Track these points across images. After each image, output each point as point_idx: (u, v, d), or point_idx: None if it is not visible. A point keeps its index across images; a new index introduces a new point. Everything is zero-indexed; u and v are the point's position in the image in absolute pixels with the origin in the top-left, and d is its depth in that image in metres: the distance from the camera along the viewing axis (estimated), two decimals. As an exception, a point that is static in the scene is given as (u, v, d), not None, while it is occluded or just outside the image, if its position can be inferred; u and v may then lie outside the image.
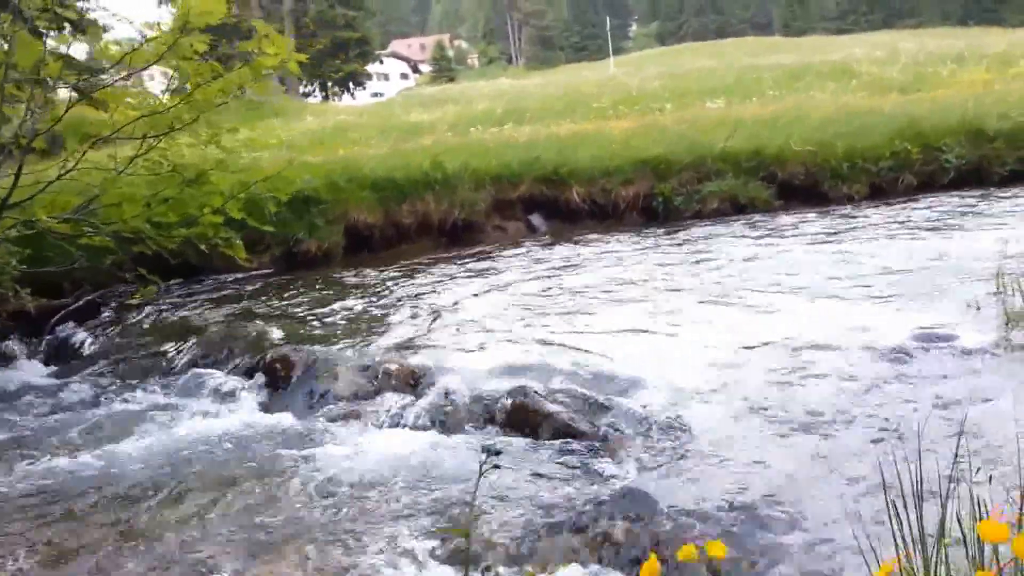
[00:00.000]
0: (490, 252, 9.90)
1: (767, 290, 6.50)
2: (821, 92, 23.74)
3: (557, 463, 3.94)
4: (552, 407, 4.35)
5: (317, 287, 8.39)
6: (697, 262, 8.02)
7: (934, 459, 3.58)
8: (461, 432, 4.41)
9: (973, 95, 15.32)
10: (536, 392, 4.49)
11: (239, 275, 9.18)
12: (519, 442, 4.20)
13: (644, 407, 4.40)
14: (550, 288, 7.33)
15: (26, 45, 6.03)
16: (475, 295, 7.33)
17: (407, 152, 11.92)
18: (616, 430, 4.20)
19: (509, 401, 4.47)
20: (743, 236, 9.46)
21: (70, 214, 6.64)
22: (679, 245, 9.27)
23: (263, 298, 8.02)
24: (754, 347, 5.12)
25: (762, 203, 11.44)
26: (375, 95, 56.87)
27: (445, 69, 75.83)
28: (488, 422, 4.46)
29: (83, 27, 7.50)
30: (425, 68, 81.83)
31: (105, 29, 8.09)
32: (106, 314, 7.74)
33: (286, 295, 8.07)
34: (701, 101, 24.48)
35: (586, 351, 5.27)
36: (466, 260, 9.45)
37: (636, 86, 30.81)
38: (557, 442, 4.14)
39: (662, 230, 10.54)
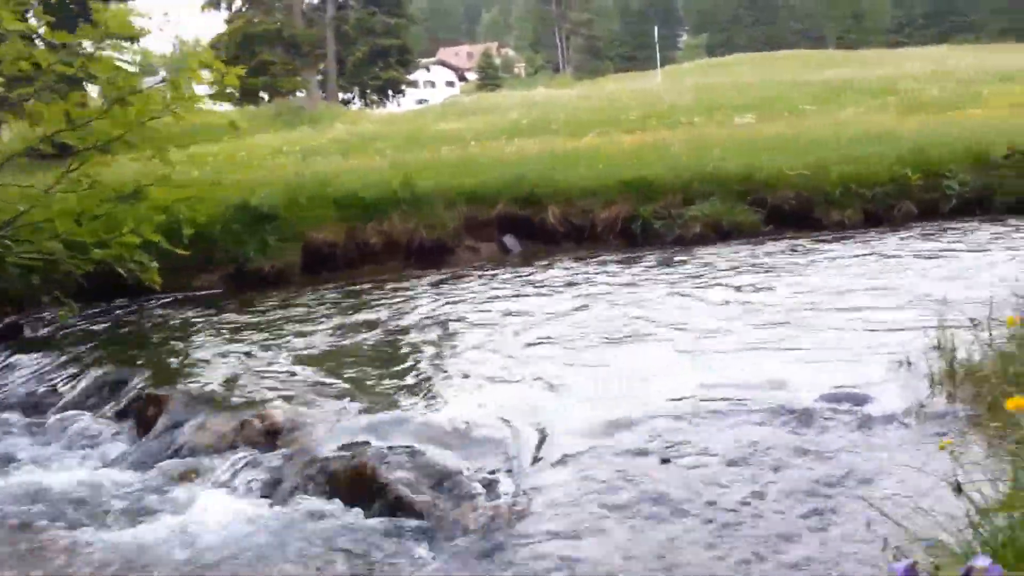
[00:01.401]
0: (447, 277, 9.50)
1: (689, 332, 5.99)
2: (855, 109, 22.94)
3: (377, 547, 3.51)
4: (391, 475, 3.90)
5: (251, 310, 8.09)
6: (633, 296, 7.52)
7: (774, 562, 3.12)
8: (290, 503, 3.99)
9: (998, 118, 14.47)
10: (380, 457, 4.06)
11: (183, 295, 8.95)
12: (345, 518, 3.77)
13: (492, 475, 3.96)
14: (471, 322, 6.92)
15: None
16: (396, 329, 6.94)
17: (378, 169, 11.60)
18: (455, 504, 3.74)
19: (346, 467, 4.05)
20: (706, 266, 8.94)
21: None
22: (628, 276, 8.77)
23: (192, 322, 7.75)
24: (641, 403, 4.63)
25: (749, 228, 10.85)
26: (420, 102, 56.97)
27: (491, 77, 75.72)
28: (323, 491, 4.04)
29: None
30: (472, 76, 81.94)
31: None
32: (28, 334, 7.55)
33: (216, 319, 7.79)
34: (732, 116, 23.83)
35: (467, 402, 4.85)
36: (418, 285, 9.07)
37: (670, 99, 30.21)
38: (386, 520, 3.70)
39: (636, 256, 10.02)
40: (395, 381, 5.34)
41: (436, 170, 11.80)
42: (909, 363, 4.91)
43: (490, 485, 3.81)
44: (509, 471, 3.94)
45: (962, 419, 4.14)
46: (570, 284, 8.48)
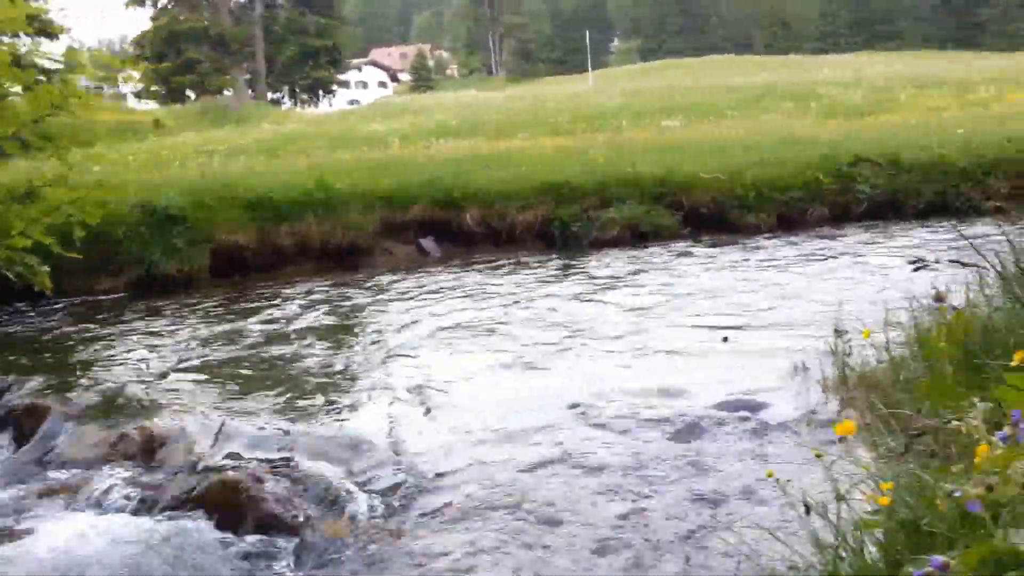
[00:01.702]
0: (359, 280, 9.31)
1: (589, 338, 5.94)
2: (777, 113, 23.40)
3: (245, 567, 3.34)
4: (265, 491, 3.74)
5: (152, 316, 7.79)
6: (535, 301, 7.45)
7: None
8: (162, 521, 3.77)
9: (910, 123, 14.91)
10: (256, 472, 3.89)
11: (85, 300, 8.59)
12: (216, 537, 3.58)
13: (374, 489, 3.83)
14: (372, 328, 6.78)
15: None
16: (296, 336, 6.74)
17: (293, 170, 11.34)
18: (332, 520, 3.59)
19: (220, 483, 3.86)
20: (612, 268, 8.96)
21: None
22: (535, 280, 8.71)
23: (89, 328, 7.42)
24: (535, 413, 4.55)
25: (667, 231, 10.91)
26: (352, 102, 56.31)
27: (424, 79, 75.38)
28: (197, 508, 3.84)
29: None
30: (405, 77, 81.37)
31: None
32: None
33: (114, 325, 7.47)
34: (659, 120, 24.11)
35: (357, 413, 4.71)
36: (328, 289, 8.85)
37: (599, 103, 30.45)
38: (257, 538, 3.53)
39: (553, 259, 9.99)
40: (287, 391, 5.16)
41: (354, 171, 11.59)
42: (805, 368, 4.94)
43: (371, 499, 3.68)
44: (392, 485, 3.82)
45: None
46: (478, 289, 8.37)
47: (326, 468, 3.98)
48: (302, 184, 10.40)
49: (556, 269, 9.32)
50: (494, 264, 9.84)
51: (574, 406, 4.58)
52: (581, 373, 5.17)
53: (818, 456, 2.55)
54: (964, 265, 1.93)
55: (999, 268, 4.37)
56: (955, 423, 1.61)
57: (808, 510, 1.91)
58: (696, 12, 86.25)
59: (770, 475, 2.42)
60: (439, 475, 3.94)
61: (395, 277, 9.35)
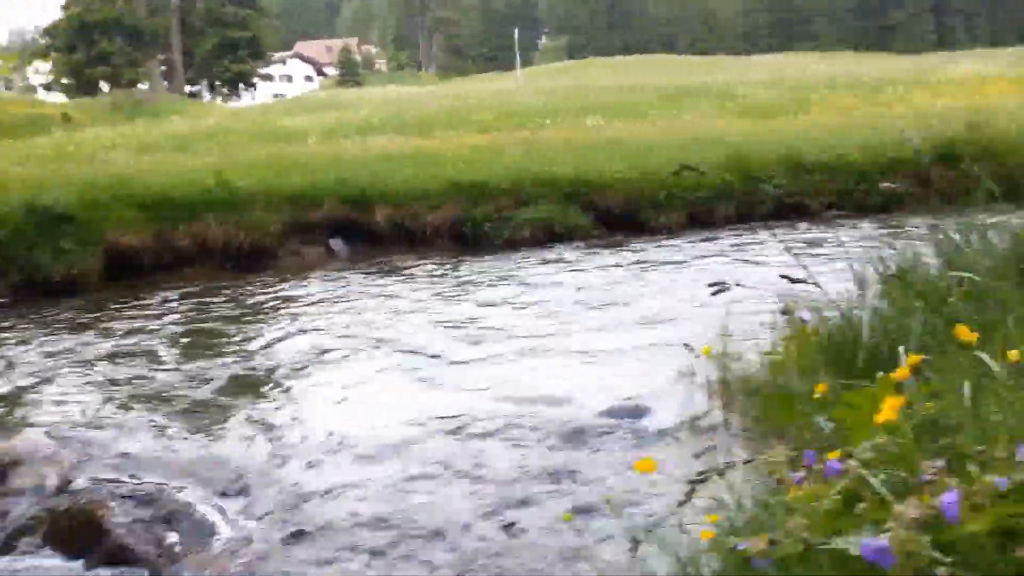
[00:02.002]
0: (259, 284, 9.02)
1: (487, 343, 5.84)
2: (696, 112, 23.71)
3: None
4: (116, 519, 3.50)
5: (34, 323, 7.38)
6: (428, 305, 7.32)
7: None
8: (7, 552, 3.51)
9: (820, 123, 15.24)
10: (110, 498, 3.66)
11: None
12: (63, 570, 3.33)
13: (239, 512, 3.64)
14: (258, 338, 6.54)
15: None
16: (182, 345, 6.48)
17: (194, 167, 10.95)
18: (186, 549, 3.38)
19: (73, 510, 3.61)
20: (516, 271, 8.90)
21: None
22: (439, 282, 8.60)
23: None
24: (414, 423, 4.41)
25: (582, 232, 10.89)
26: (276, 96, 55.16)
27: (351, 73, 74.24)
28: (47, 537, 3.57)
29: None
30: (332, 71, 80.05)
31: None
32: None
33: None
34: (583, 118, 24.21)
35: (234, 430, 4.49)
36: (221, 294, 8.54)
37: (525, 100, 30.44)
38: (107, 570, 3.30)
39: (463, 261, 9.86)
40: (156, 407, 4.91)
41: (261, 169, 11.26)
42: (692, 373, 4.91)
43: (234, 523, 3.49)
44: (262, 508, 3.64)
45: (731, 435, 4.14)
46: (378, 292, 8.18)
47: (192, 492, 3.77)
48: (202, 182, 10.03)
49: (463, 271, 9.20)
50: (402, 266, 9.67)
51: (458, 416, 4.46)
52: (471, 381, 5.06)
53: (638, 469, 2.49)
54: (793, 281, 1.86)
55: (880, 270, 4.41)
56: (766, 454, 1.53)
57: (636, 545, 1.81)
58: (624, 11, 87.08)
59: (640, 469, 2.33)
60: (313, 493, 3.78)
61: (297, 280, 9.11)
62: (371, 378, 5.21)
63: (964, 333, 1.71)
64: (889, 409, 1.32)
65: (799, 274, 2.99)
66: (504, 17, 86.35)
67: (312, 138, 17.59)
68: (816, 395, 1.70)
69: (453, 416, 4.42)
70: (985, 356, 1.65)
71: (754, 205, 11.36)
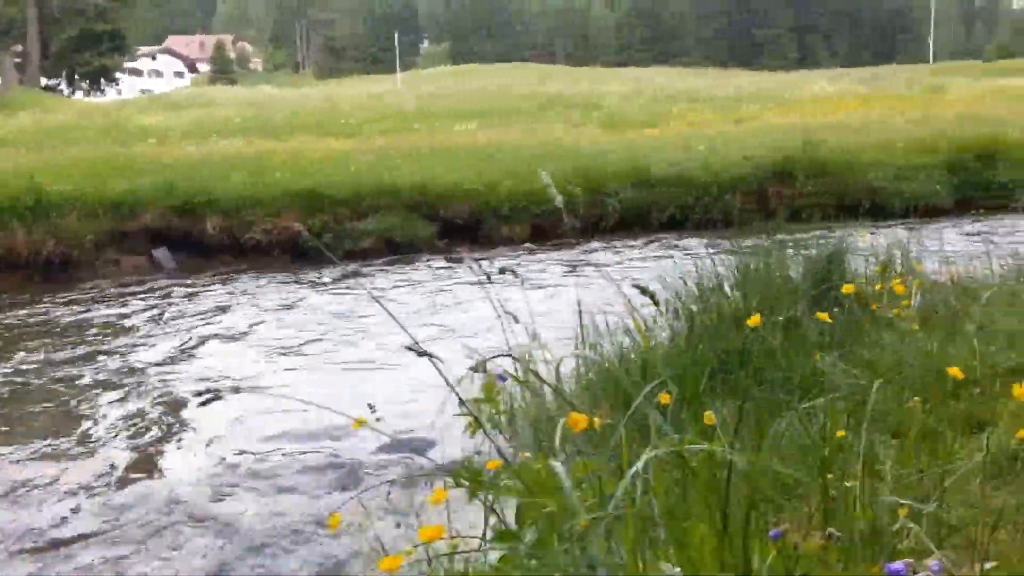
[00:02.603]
0: (68, 297, 8.38)
1: (278, 370, 5.54)
2: (560, 123, 23.92)
3: None
4: None
5: None
6: (240, 325, 6.95)
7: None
8: None
9: (664, 137, 15.57)
10: None
11: None
12: None
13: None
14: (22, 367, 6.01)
15: None
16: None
17: (4, 170, 10.12)
18: None
19: None
20: (343, 288, 8.61)
21: None
22: (214, 302, 8.16)
23: None
24: (169, 468, 4.08)
25: (422, 243, 10.67)
26: (143, 92, 52.64)
27: (225, 71, 71.71)
28: None
29: None
30: (205, 68, 77.13)
31: None
32: None
33: None
34: (453, 124, 24.11)
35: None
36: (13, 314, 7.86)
37: (395, 104, 30.09)
38: None
39: (298, 273, 9.48)
40: None
41: (81, 171, 10.52)
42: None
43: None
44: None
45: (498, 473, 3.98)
46: (188, 311, 7.70)
47: None
48: (10, 186, 9.27)
49: (285, 286, 8.82)
50: (228, 279, 9.21)
51: (222, 459, 4.14)
52: (247, 416, 4.73)
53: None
54: (420, 355, 1.70)
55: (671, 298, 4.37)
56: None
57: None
58: (504, 20, 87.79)
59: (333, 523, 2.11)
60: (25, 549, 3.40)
61: (105, 295, 8.50)
62: (124, 416, 4.80)
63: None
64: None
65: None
66: (385, 20, 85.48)
67: (153, 139, 16.72)
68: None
69: (221, 459, 4.10)
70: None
71: (599, 217, 11.41)
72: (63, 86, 47.61)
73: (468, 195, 11.05)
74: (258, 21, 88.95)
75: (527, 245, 10.57)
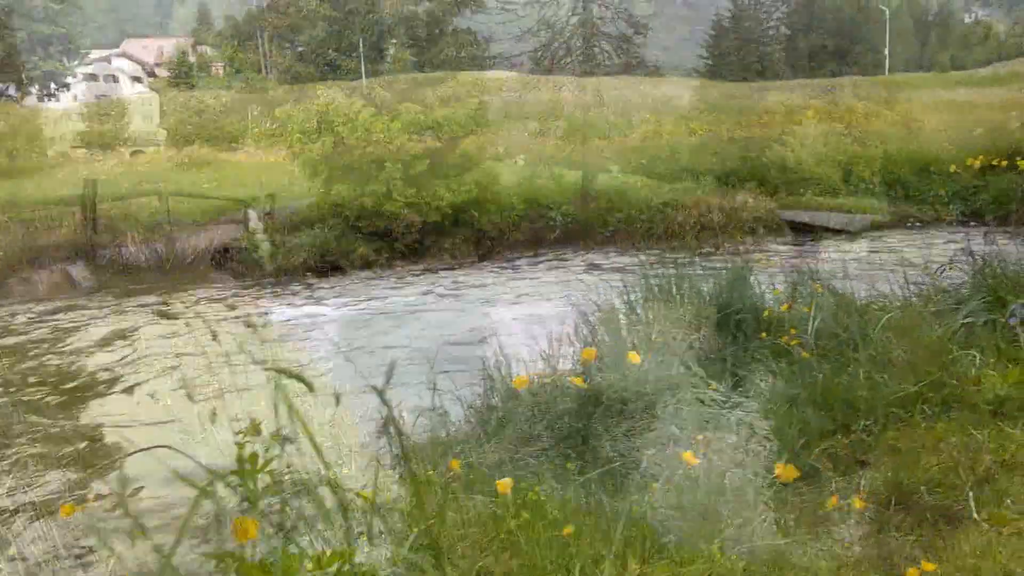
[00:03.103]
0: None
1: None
2: (518, 131, 23.63)
3: None
4: None
5: None
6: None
7: None
8: None
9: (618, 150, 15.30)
10: None
11: None
12: None
13: None
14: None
15: None
16: None
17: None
18: None
19: None
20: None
21: None
22: None
23: None
24: None
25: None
26: (99, 97, 51.49)
27: (183, 76, 70.45)
28: None
29: None
30: (164, 73, 75.63)
31: None
32: None
33: None
34: (408, 134, 23.74)
35: None
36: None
37: (347, 112, 29.63)
38: None
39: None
40: None
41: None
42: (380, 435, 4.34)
43: None
44: None
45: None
46: None
47: None
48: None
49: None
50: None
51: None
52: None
53: None
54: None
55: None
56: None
57: None
58: (465, 28, 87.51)
59: None
60: None
61: None
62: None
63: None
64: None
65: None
66: (349, 27, 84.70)
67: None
68: None
69: None
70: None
71: (543, 231, 11.05)
72: (11, 91, 46.30)
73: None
74: (219, 24, 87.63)
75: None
